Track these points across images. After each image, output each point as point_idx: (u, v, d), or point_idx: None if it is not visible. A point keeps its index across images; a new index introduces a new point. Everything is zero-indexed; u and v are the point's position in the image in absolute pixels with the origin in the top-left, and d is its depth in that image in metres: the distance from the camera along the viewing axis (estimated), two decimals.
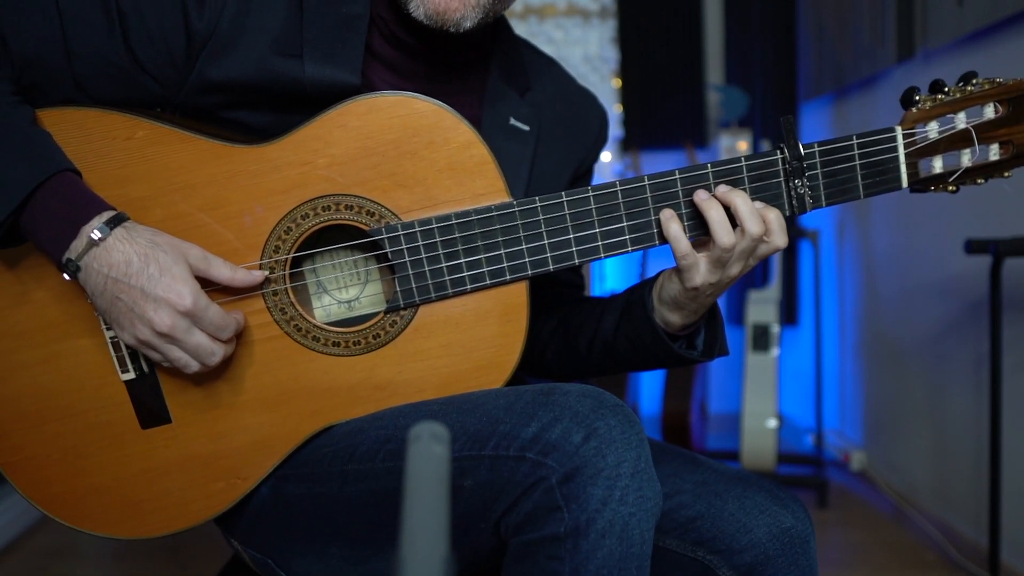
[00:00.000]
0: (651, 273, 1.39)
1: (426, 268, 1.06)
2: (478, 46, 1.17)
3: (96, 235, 0.95)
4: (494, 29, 1.20)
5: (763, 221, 1.04)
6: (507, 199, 1.06)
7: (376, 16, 1.11)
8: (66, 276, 0.98)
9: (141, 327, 0.97)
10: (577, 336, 1.25)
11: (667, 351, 1.15)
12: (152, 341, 0.97)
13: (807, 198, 1.08)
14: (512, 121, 1.19)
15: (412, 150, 1.04)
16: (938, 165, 1.10)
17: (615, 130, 3.87)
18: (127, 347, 1.05)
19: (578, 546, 0.89)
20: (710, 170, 1.06)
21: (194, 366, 1.00)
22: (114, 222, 0.97)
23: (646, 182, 1.06)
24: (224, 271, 1.01)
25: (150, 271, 0.96)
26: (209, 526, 1.17)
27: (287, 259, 1.05)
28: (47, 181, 0.96)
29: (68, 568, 2.66)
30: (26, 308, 1.05)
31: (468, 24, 1.07)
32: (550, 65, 1.30)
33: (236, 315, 1.03)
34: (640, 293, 1.16)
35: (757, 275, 3.50)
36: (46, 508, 1.08)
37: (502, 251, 1.07)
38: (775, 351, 3.12)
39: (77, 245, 0.96)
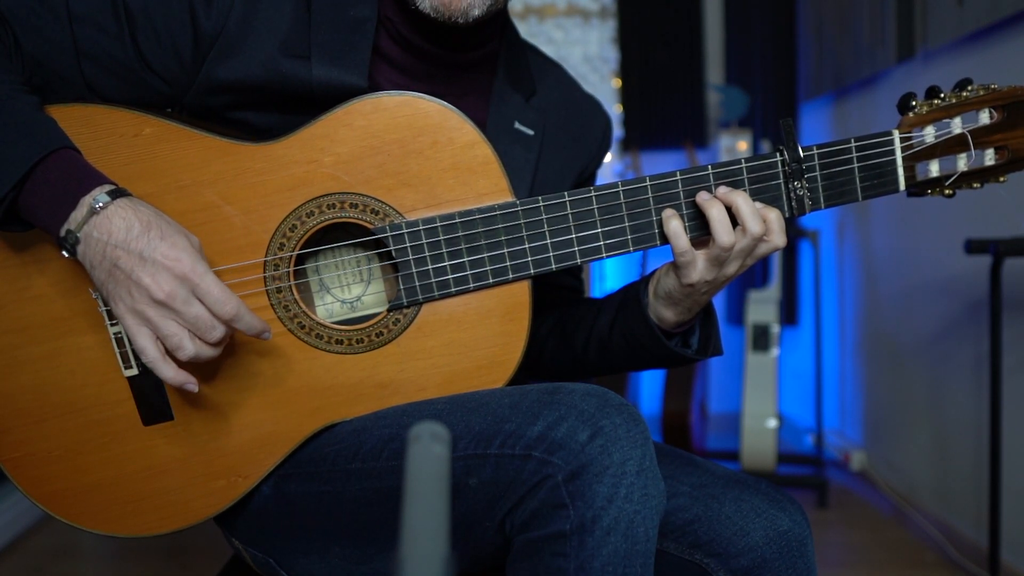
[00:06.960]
0: None
1: (429, 267, 1.06)
2: (485, 46, 1.17)
3: (97, 204, 0.93)
4: (501, 31, 1.20)
5: (763, 221, 1.05)
6: (510, 199, 1.06)
7: (384, 17, 1.11)
8: (65, 253, 0.95)
9: (138, 296, 0.93)
10: (574, 334, 1.26)
11: (661, 348, 1.15)
12: (148, 313, 0.93)
13: (806, 200, 1.09)
14: (517, 125, 1.19)
15: (417, 149, 1.04)
16: (935, 169, 1.11)
17: (615, 130, 3.87)
18: (128, 340, 1.05)
19: (583, 543, 0.90)
20: (711, 171, 1.07)
21: (188, 347, 0.94)
22: (116, 193, 0.95)
23: (648, 183, 1.07)
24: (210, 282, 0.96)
25: (150, 235, 0.93)
26: (210, 526, 1.16)
27: (291, 256, 1.05)
28: (47, 157, 0.94)
29: (68, 568, 2.66)
30: (30, 303, 1.04)
31: (476, 12, 1.05)
32: (556, 69, 1.30)
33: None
34: (636, 289, 1.17)
35: (757, 275, 3.50)
36: (46, 505, 1.08)
37: (505, 250, 1.07)
38: (775, 351, 3.12)
39: (76, 215, 0.93)
